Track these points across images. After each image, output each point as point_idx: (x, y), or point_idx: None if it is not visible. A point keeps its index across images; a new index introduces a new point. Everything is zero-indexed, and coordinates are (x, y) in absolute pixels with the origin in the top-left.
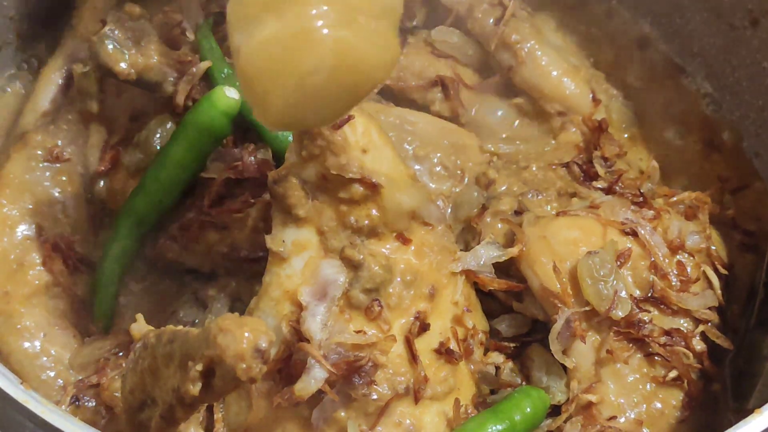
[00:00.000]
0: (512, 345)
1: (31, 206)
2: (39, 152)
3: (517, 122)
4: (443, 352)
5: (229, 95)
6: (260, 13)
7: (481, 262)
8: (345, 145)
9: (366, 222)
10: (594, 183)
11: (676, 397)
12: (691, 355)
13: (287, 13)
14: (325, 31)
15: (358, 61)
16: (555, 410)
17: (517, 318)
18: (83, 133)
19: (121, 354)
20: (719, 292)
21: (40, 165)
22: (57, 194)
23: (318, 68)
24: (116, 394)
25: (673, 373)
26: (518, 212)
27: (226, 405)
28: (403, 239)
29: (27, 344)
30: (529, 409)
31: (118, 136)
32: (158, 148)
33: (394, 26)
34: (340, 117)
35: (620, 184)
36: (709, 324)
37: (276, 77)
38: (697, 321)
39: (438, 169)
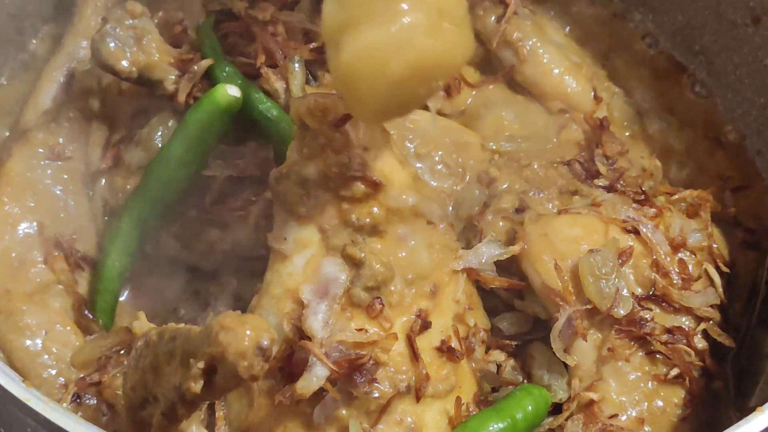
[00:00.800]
0: (514, 343)
1: (32, 204)
2: (41, 150)
3: (518, 120)
4: (445, 350)
5: (230, 93)
6: (358, 21)
7: (483, 260)
8: (346, 143)
9: (367, 220)
10: (595, 181)
11: (678, 395)
12: (692, 353)
13: (383, 22)
14: (418, 39)
15: (445, 63)
16: (556, 408)
17: (519, 316)
18: (85, 131)
19: (122, 352)
20: (721, 290)
21: (42, 163)
22: (59, 192)
23: (412, 72)
24: (118, 392)
25: (674, 371)
26: (520, 210)
27: (227, 403)
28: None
29: (28, 342)
30: (530, 407)
31: (119, 134)
32: (160, 146)
33: (470, 26)
34: (421, 104)
35: (622, 182)
36: (711, 322)
37: (374, 81)
38: (699, 319)
39: (439, 167)
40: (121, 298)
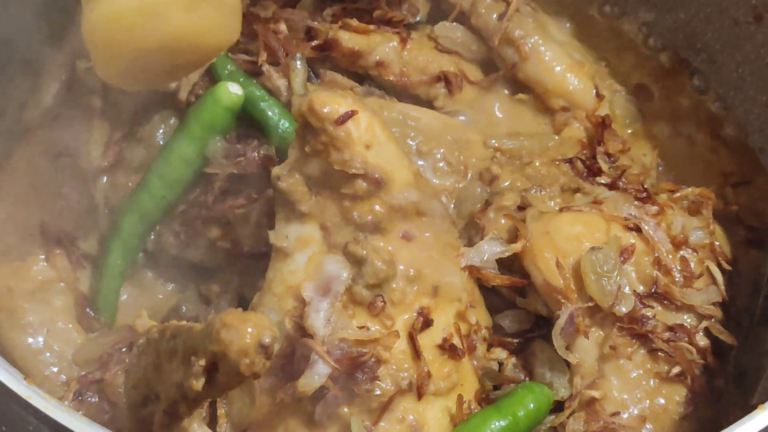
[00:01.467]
0: (515, 341)
1: (34, 202)
2: (42, 147)
3: (520, 118)
4: (446, 348)
5: (232, 91)
6: None
7: (485, 258)
8: (348, 141)
9: (369, 218)
10: (597, 179)
11: (680, 393)
12: (694, 350)
13: None
14: (173, 13)
15: (198, 44)
16: (558, 406)
17: (521, 314)
18: (87, 128)
19: (124, 349)
20: (723, 287)
21: (44, 160)
22: (60, 190)
23: (160, 45)
24: (120, 390)
25: (676, 369)
26: (521, 208)
27: (229, 400)
28: (407, 235)
29: (30, 340)
30: (532, 405)
31: (121, 131)
32: (161, 143)
33: (238, 14)
34: (173, 81)
35: (624, 180)
36: (713, 320)
37: (120, 45)
38: (701, 317)
39: (441, 164)
40: (123, 296)
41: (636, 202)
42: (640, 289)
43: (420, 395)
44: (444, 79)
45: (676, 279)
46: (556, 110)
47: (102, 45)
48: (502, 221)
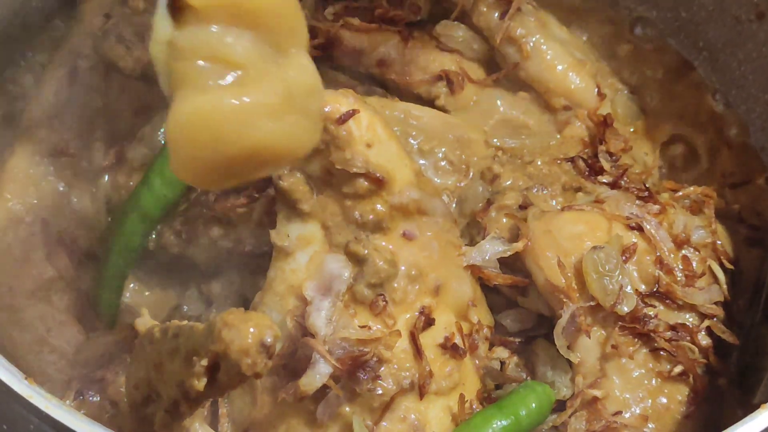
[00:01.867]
0: (517, 340)
1: (35, 201)
2: (44, 147)
3: (521, 117)
4: (448, 347)
5: None
6: (203, 77)
7: (486, 257)
8: (350, 140)
9: (371, 217)
10: (599, 178)
11: (682, 392)
12: (696, 350)
13: (231, 89)
14: (261, 121)
15: (282, 152)
16: (560, 405)
17: (522, 313)
18: (88, 127)
19: (125, 349)
20: (725, 286)
21: (45, 159)
22: (61, 189)
23: (245, 153)
24: (121, 389)
25: (678, 368)
26: (523, 207)
27: (230, 400)
28: (408, 234)
29: (31, 339)
30: (534, 405)
31: (122, 130)
32: (162, 143)
33: (320, 121)
34: (243, 181)
35: (625, 179)
36: (715, 319)
37: (204, 151)
38: (703, 316)
39: (443, 163)
40: (125, 295)
41: (638, 201)
42: (642, 288)
43: (422, 394)
44: (445, 78)
45: (678, 278)
46: (557, 109)
47: (184, 142)
48: (504, 220)
